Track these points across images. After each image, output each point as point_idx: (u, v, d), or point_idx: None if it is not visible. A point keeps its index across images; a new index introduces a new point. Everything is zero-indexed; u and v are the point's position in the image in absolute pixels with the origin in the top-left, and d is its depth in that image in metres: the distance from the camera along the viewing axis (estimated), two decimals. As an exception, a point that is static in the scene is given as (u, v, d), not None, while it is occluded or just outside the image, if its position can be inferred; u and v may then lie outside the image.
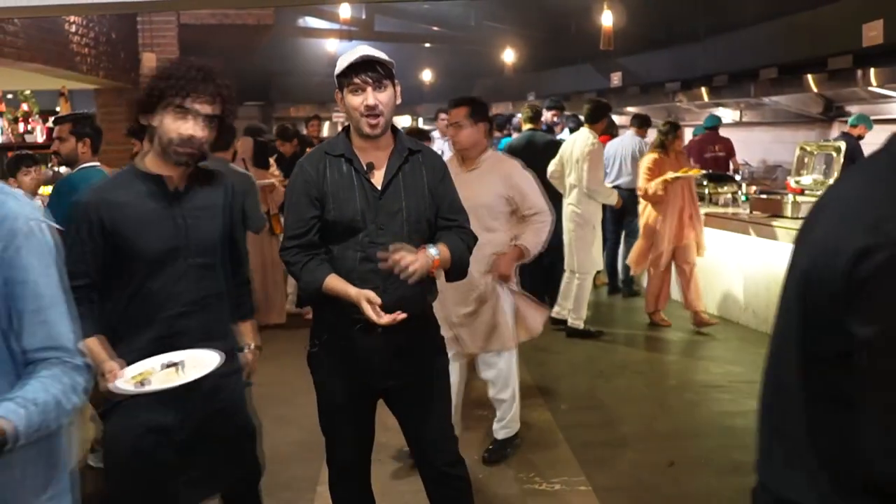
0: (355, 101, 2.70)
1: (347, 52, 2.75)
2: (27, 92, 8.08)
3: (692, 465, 4.52)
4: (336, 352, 2.84)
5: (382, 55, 2.73)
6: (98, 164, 4.55)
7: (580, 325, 7.14)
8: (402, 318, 2.64)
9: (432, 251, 2.72)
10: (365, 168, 2.77)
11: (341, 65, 2.72)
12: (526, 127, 7.94)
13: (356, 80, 2.69)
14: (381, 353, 2.80)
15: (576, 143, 7.21)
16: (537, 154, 7.48)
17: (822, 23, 7.71)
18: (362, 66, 2.70)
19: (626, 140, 8.73)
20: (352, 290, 2.68)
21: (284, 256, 2.82)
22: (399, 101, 2.82)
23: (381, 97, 2.70)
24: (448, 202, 2.90)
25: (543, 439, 4.95)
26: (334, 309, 2.75)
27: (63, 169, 5.54)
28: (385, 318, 2.63)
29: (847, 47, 7.21)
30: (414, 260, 2.62)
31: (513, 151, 7.84)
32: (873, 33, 6.44)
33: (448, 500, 3.03)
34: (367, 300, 2.64)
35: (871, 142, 8.02)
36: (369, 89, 2.69)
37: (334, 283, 2.73)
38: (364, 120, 2.70)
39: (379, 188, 2.77)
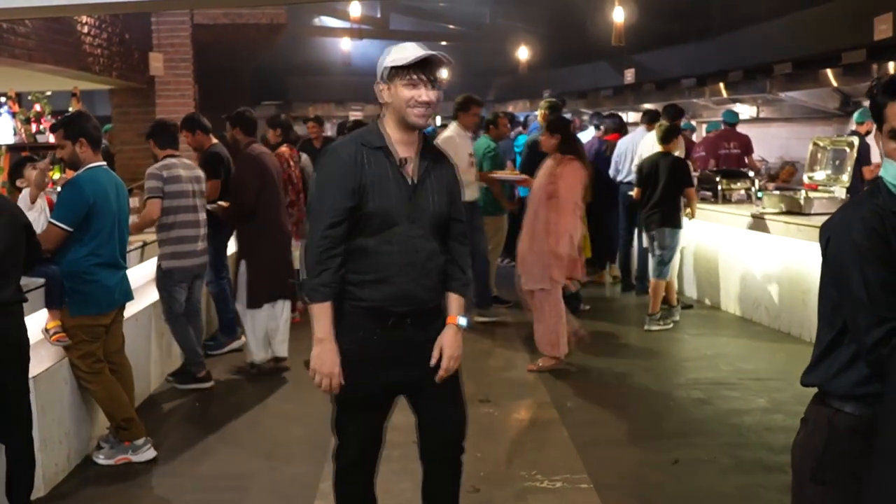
0: (408, 93, 2.77)
1: (402, 46, 2.82)
2: (48, 93, 8.15)
3: (697, 464, 4.47)
4: (370, 347, 2.87)
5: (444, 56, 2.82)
6: (103, 163, 4.57)
7: None
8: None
9: (460, 323, 2.95)
10: (399, 163, 2.84)
11: (403, 57, 2.75)
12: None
13: (415, 77, 2.76)
14: (409, 345, 2.89)
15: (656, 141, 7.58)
16: None
17: (833, 17, 7.63)
18: (423, 63, 2.77)
19: (637, 136, 8.68)
20: (329, 344, 2.83)
21: (318, 243, 2.80)
22: None
23: (433, 95, 2.81)
24: (458, 203, 3.00)
25: (548, 437, 4.94)
26: (370, 304, 2.82)
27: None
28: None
29: (859, 41, 7.13)
30: (454, 350, 2.92)
31: (535, 148, 7.83)
32: (884, 26, 6.35)
33: (445, 478, 3.11)
34: (328, 375, 2.83)
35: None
36: (424, 87, 2.77)
37: (326, 313, 2.82)
38: (413, 111, 2.78)
39: (411, 183, 2.85)
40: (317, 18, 17.13)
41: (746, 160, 9.45)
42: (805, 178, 7.40)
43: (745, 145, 9.44)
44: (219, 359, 6.49)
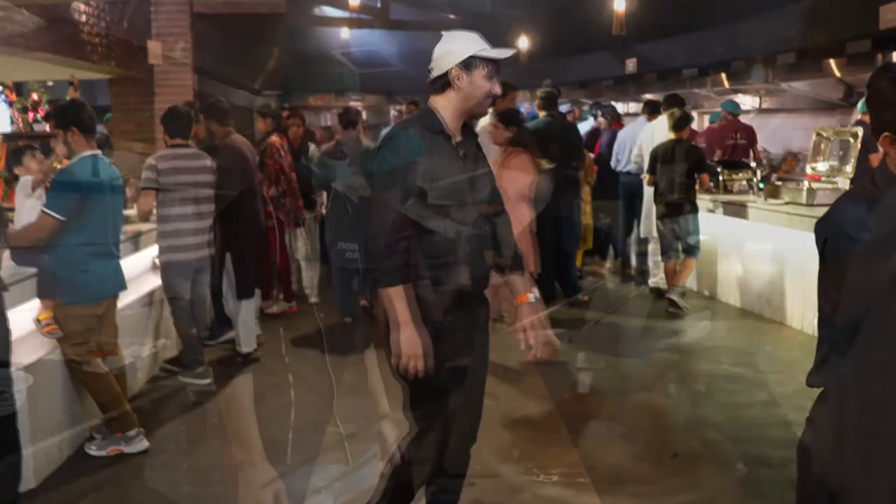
0: (487, 85, 2.87)
1: (472, 36, 2.89)
2: (50, 83, 8.10)
3: (696, 458, 4.42)
4: (454, 333, 2.88)
5: None
6: (97, 152, 4.51)
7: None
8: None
9: (532, 299, 3.03)
10: (456, 146, 2.91)
11: (492, 49, 2.86)
12: (541, 113, 7.82)
13: (493, 69, 2.88)
14: (474, 325, 2.98)
15: (655, 131, 7.84)
16: (556, 140, 7.39)
17: (838, 6, 7.55)
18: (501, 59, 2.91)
19: (638, 126, 8.61)
20: (413, 326, 2.77)
21: (390, 227, 2.78)
22: None
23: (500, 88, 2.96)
24: (496, 188, 3.10)
25: (546, 430, 4.89)
26: (449, 287, 2.83)
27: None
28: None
29: (864, 31, 7.05)
30: (535, 325, 3.01)
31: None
32: (890, 15, 6.27)
33: (457, 470, 3.13)
34: (416, 357, 2.78)
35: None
36: (496, 80, 2.90)
37: (404, 296, 2.78)
38: (487, 101, 2.92)
39: (467, 166, 2.92)
40: (318, 8, 17.00)
41: (752, 151, 9.38)
42: (808, 169, 7.33)
43: (752, 136, 9.36)
44: (214, 350, 6.45)
